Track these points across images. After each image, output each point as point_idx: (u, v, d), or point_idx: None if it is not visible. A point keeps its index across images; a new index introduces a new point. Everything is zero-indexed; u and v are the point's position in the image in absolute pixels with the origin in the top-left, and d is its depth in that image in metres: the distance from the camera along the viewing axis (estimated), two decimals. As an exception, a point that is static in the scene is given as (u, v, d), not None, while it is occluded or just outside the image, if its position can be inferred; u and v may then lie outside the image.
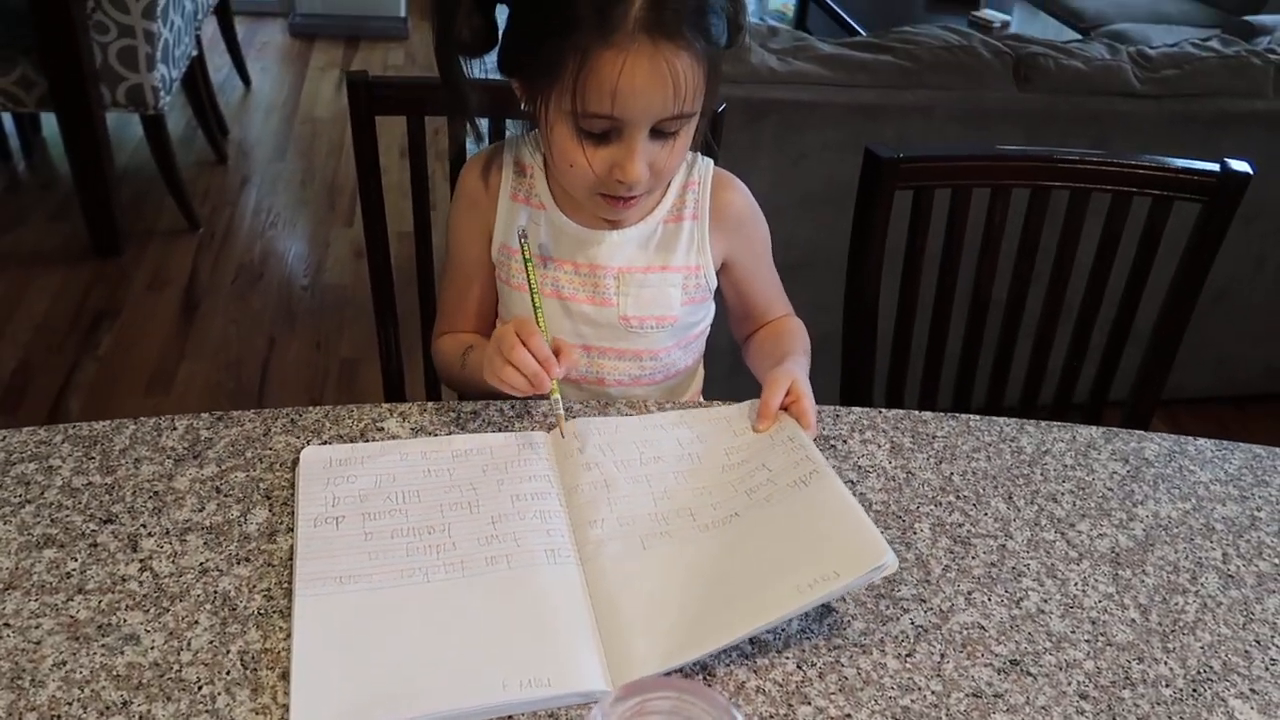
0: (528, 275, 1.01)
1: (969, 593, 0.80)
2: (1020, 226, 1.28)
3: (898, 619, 0.77)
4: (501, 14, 0.94)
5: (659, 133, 0.92)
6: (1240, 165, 1.23)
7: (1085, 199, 1.27)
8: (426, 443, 0.90)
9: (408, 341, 1.42)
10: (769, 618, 0.72)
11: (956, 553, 0.84)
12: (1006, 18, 3.61)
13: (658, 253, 1.07)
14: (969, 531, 0.86)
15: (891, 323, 1.31)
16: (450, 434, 0.92)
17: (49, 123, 3.17)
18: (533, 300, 1.00)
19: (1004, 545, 0.85)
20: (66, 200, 2.89)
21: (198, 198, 2.99)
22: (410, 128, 1.28)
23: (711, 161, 1.10)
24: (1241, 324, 2.35)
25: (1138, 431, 1.01)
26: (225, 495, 0.83)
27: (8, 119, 3.13)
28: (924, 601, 0.79)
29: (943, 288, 1.30)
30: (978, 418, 1.00)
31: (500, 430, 0.93)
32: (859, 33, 3.41)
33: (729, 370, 1.28)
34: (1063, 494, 0.92)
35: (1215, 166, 1.24)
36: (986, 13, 3.61)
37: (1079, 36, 3.68)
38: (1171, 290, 1.31)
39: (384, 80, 1.24)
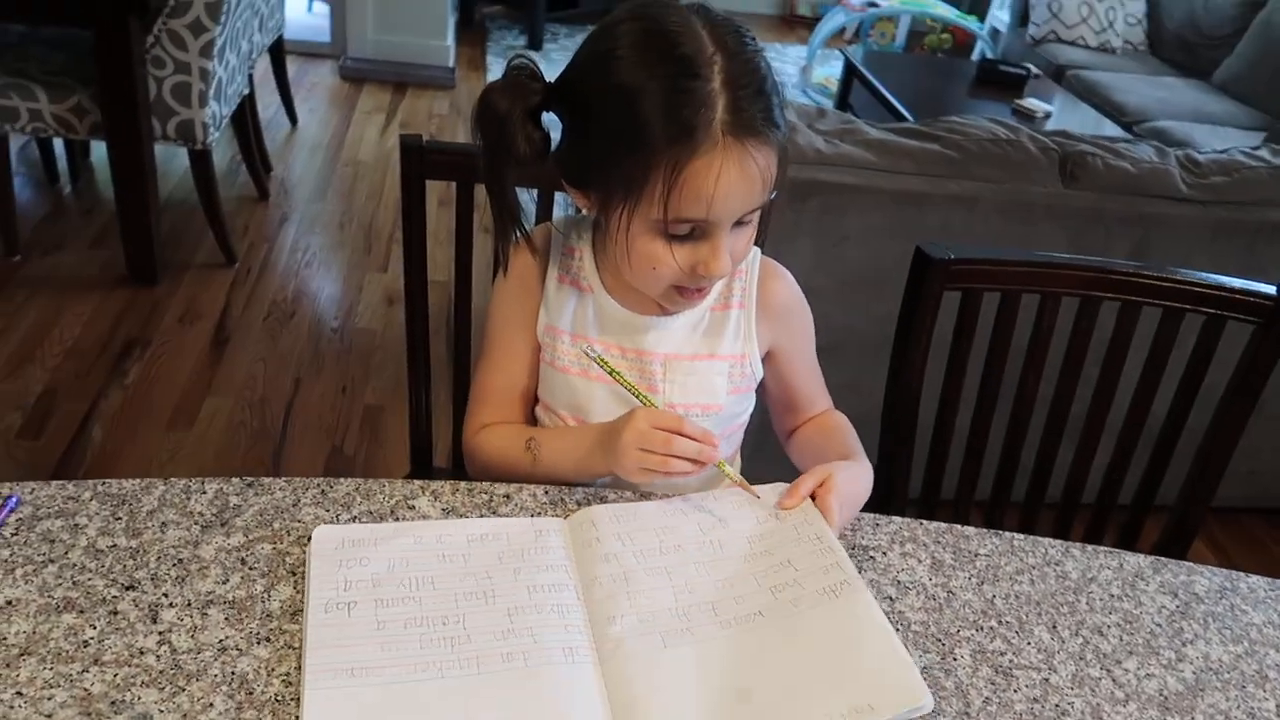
0: (624, 385, 0.99)
1: (1010, 730, 0.77)
2: (1068, 334, 1.26)
3: (935, 753, 0.74)
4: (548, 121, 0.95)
5: (738, 223, 0.93)
6: (1297, 289, 1.21)
7: (1136, 312, 1.25)
8: (441, 526, 0.87)
9: (434, 392, 1.41)
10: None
11: (998, 684, 0.81)
12: (1049, 108, 3.62)
13: (705, 340, 1.06)
14: (1011, 661, 0.83)
15: (932, 415, 1.29)
16: (481, 516, 0.90)
17: (98, 149, 3.22)
18: (640, 398, 0.98)
19: (1047, 679, 0.82)
20: (107, 227, 2.93)
21: (236, 232, 3.02)
22: (459, 194, 1.28)
23: (758, 249, 1.09)
24: (1277, 436, 2.31)
25: (1186, 563, 0.98)
26: (250, 568, 0.81)
27: (58, 143, 3.18)
28: (963, 736, 0.76)
29: (986, 387, 1.28)
30: (1021, 537, 0.98)
31: (535, 515, 0.91)
32: (903, 113, 3.43)
33: (751, 451, 1.26)
34: (1109, 626, 0.88)
35: (1272, 289, 1.21)
36: (1030, 102, 3.62)
37: (1120, 130, 3.69)
38: (1220, 408, 1.28)
39: (438, 146, 1.25)
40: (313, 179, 3.46)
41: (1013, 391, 1.28)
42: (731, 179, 0.87)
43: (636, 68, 0.86)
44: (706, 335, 1.06)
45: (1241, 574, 0.97)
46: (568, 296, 1.05)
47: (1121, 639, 0.87)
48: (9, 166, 2.67)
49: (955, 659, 0.83)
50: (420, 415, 1.40)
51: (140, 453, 2.16)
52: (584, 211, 1.00)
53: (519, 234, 1.01)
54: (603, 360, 0.99)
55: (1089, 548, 0.98)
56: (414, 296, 1.33)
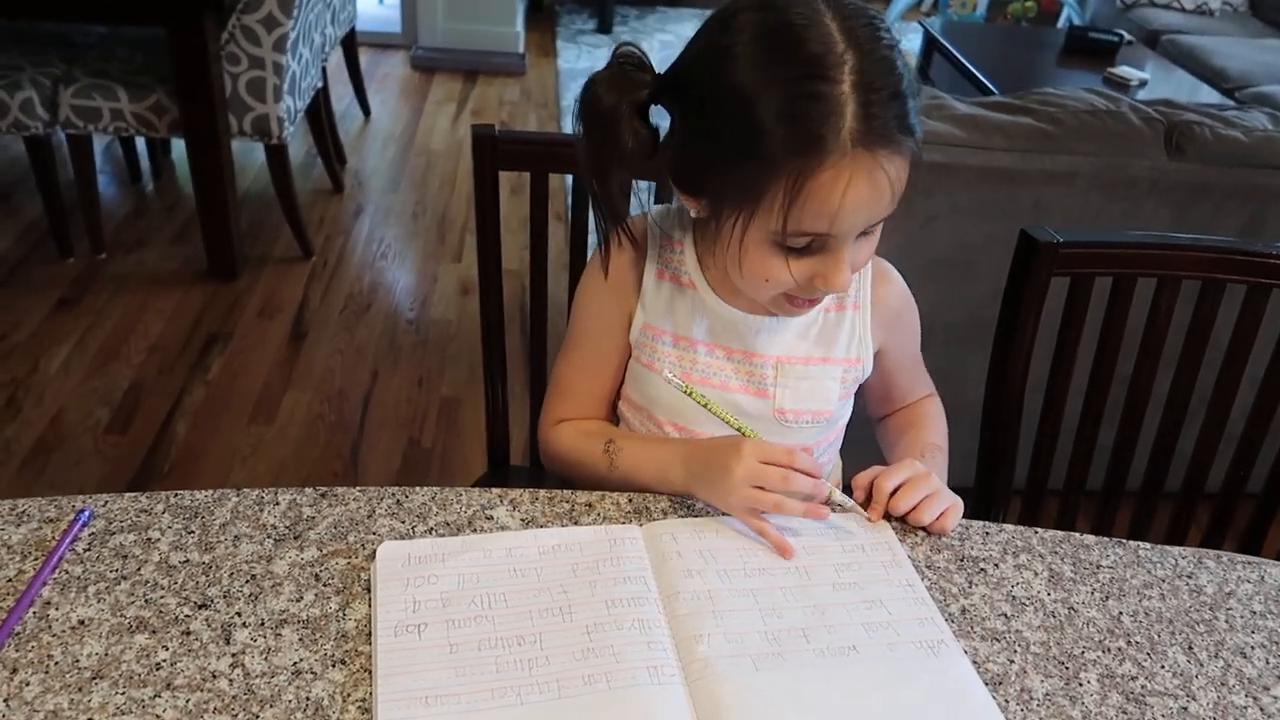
0: (718, 415, 0.93)
1: (1147, 766, 0.70)
2: (1188, 320, 1.17)
3: (1064, 793, 0.67)
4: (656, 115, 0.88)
5: (863, 231, 0.86)
6: None
7: (1265, 295, 1.15)
8: (512, 538, 0.83)
9: (510, 386, 1.37)
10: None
11: (1130, 713, 0.74)
12: (1144, 75, 3.44)
13: (818, 343, 1.00)
14: (1144, 688, 0.76)
15: (1036, 405, 1.21)
16: (563, 526, 0.85)
17: (178, 146, 3.27)
18: (738, 429, 0.92)
19: (1186, 709, 0.74)
20: (188, 223, 2.96)
21: (313, 225, 3.03)
22: (533, 184, 1.23)
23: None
24: None
25: (1336, 575, 0.88)
26: (325, 584, 0.77)
27: (140, 142, 3.23)
28: (1094, 773, 0.69)
29: (1098, 377, 1.19)
30: (1148, 546, 0.90)
31: (619, 524, 0.86)
32: (987, 86, 3.29)
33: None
34: (1253, 648, 0.80)
35: None
36: (1123, 70, 3.45)
37: (1222, 98, 3.49)
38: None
39: (510, 136, 1.20)
40: (386, 170, 3.47)
41: (1126, 380, 1.19)
42: (860, 192, 0.80)
43: (756, 67, 0.79)
44: (820, 338, 1.00)
45: (1400, 587, 0.88)
46: (668, 294, 0.99)
47: (1268, 662, 0.79)
48: (94, 166, 2.71)
49: (1081, 684, 0.75)
50: (497, 410, 1.36)
51: (222, 447, 2.18)
52: (693, 214, 0.93)
53: (622, 234, 0.95)
54: (690, 390, 0.93)
55: (1224, 558, 0.89)
56: (489, 289, 1.29)
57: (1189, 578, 0.87)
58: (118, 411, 2.24)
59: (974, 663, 0.76)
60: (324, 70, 3.06)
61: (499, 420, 1.37)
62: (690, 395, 0.92)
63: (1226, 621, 0.82)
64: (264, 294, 2.73)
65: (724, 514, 0.88)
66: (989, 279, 1.86)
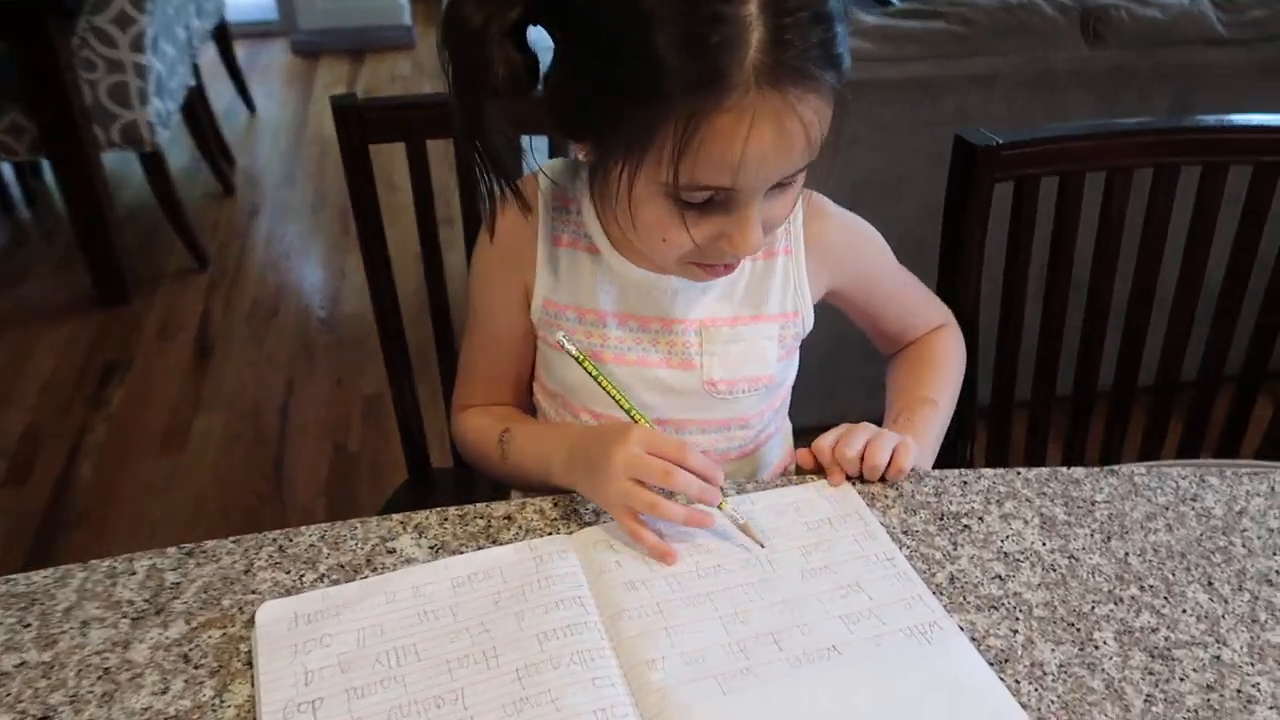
0: (608, 391, 0.80)
1: (1187, 735, 0.60)
2: (1142, 211, 1.07)
3: (1098, 785, 0.57)
4: (538, 44, 0.73)
5: (778, 185, 0.72)
6: None
7: (1222, 174, 1.05)
8: (417, 573, 0.70)
9: (429, 374, 1.23)
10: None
11: (1158, 673, 0.63)
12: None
13: (747, 300, 0.86)
14: (1167, 640, 0.66)
15: (990, 320, 1.10)
16: (479, 549, 0.72)
17: (48, 167, 3.03)
18: (630, 414, 0.80)
19: (1218, 657, 0.65)
20: (70, 249, 2.75)
21: (206, 233, 2.83)
22: (411, 155, 1.09)
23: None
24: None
25: (1351, 473, 0.79)
26: (196, 666, 0.64)
27: (7, 168, 2.99)
28: (1129, 754, 0.59)
29: (1054, 282, 1.08)
30: (1143, 470, 0.80)
31: (545, 536, 0.74)
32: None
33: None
34: (1277, 572, 0.71)
35: (1383, 121, 1.01)
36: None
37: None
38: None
39: (377, 104, 1.05)
40: (279, 165, 3.26)
41: (1085, 279, 1.09)
42: (765, 141, 0.66)
43: None
44: (749, 294, 0.86)
45: None
46: (568, 262, 0.86)
47: (1297, 587, 0.70)
48: (-48, 201, 2.49)
49: (1098, 647, 0.65)
50: (408, 411, 1.23)
51: (133, 485, 2.01)
52: (580, 158, 0.79)
53: (505, 187, 0.78)
54: (582, 359, 0.80)
55: (1228, 472, 0.79)
56: (378, 282, 1.15)
57: (1194, 500, 0.77)
58: (14, 461, 2.06)
59: (973, 640, 0.65)
60: (196, 67, 2.84)
61: (412, 422, 1.23)
62: (582, 364, 0.80)
63: (1244, 545, 0.73)
64: (161, 313, 2.54)
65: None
66: (918, 196, 1.76)
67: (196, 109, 2.89)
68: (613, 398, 0.80)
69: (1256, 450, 1.20)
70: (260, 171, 3.23)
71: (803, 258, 0.87)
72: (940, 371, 0.95)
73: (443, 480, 1.26)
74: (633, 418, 0.79)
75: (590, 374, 0.80)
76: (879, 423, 0.85)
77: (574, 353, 0.80)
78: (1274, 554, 0.72)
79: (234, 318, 2.52)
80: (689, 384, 0.86)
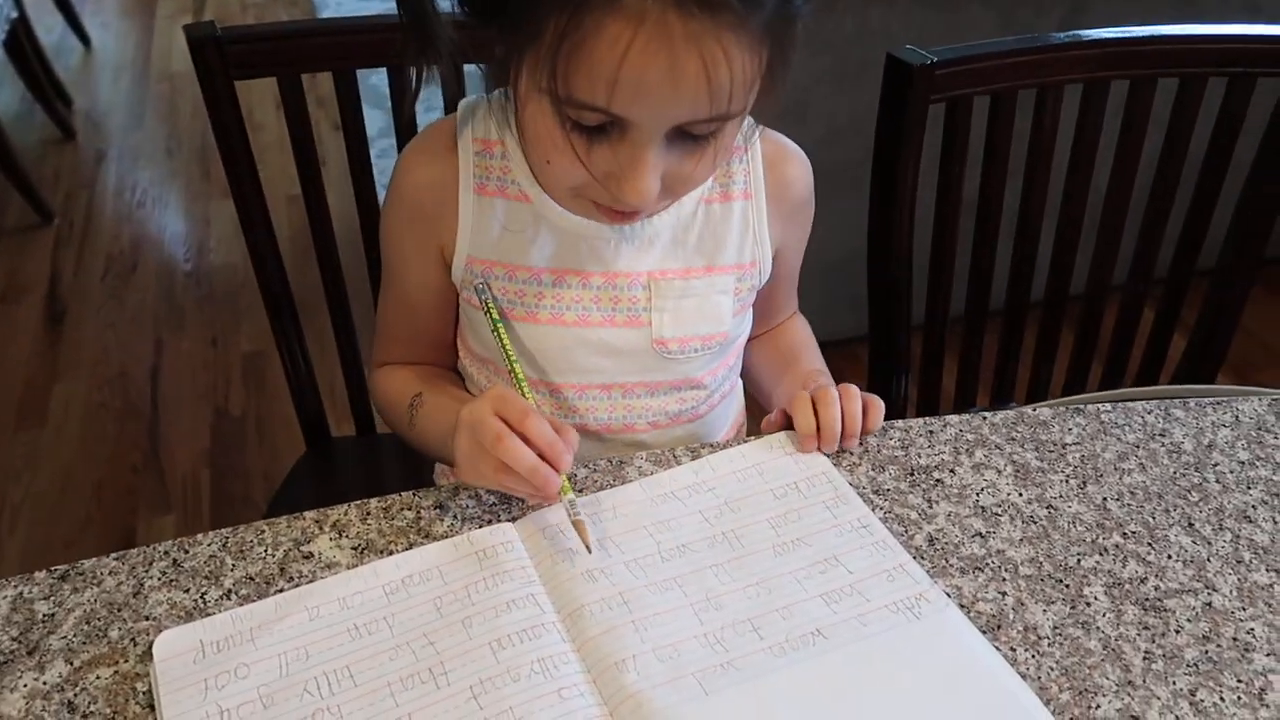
0: (498, 337, 0.73)
1: (1192, 692, 0.56)
2: (1073, 128, 1.03)
3: (1111, 756, 0.53)
4: None
5: (685, 135, 0.62)
6: (1337, 24, 0.99)
7: (1150, 87, 1.02)
8: (342, 581, 0.61)
9: (316, 328, 1.12)
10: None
11: (1153, 626, 0.60)
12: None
13: (699, 249, 0.77)
14: (1158, 589, 0.62)
15: (921, 243, 1.06)
16: (410, 547, 0.64)
17: None
18: (510, 367, 0.72)
19: (1210, 604, 0.62)
20: (-113, 207, 2.47)
21: (46, 184, 2.57)
22: (283, 91, 0.96)
23: (750, 119, 0.75)
24: None
25: (1309, 396, 0.78)
26: (85, 715, 0.54)
27: None
28: (1137, 719, 0.55)
29: (987, 203, 1.04)
30: (1108, 408, 0.76)
31: (484, 525, 0.65)
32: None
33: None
34: (1254, 507, 0.68)
35: (1308, 29, 0.99)
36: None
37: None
38: (1253, 175, 1.07)
39: (240, 34, 0.92)
40: (124, 105, 2.98)
41: (1016, 199, 1.05)
42: (651, 65, 0.56)
43: None
44: (702, 241, 0.77)
45: (1376, 395, 0.78)
46: (494, 213, 0.75)
47: (1276, 521, 0.67)
48: None
49: (1089, 603, 0.61)
50: (300, 375, 1.11)
51: (-13, 468, 1.83)
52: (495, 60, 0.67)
53: (433, 63, 0.65)
54: (490, 306, 0.72)
55: (1191, 403, 0.77)
56: (255, 235, 1.02)
57: (1162, 436, 0.74)
58: None
59: (961, 606, 0.61)
60: (16, -3, 2.55)
61: (307, 387, 1.12)
62: (488, 311, 0.72)
63: (1218, 481, 0.70)
64: (2, 275, 2.30)
65: (621, 483, 0.69)
66: (823, 118, 1.71)
67: (21, 43, 2.60)
68: (503, 351, 0.72)
69: (1178, 365, 1.20)
70: (102, 113, 2.95)
71: (764, 203, 0.79)
72: (816, 352, 0.90)
73: (345, 451, 1.15)
74: (512, 373, 0.72)
75: (493, 322, 0.72)
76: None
77: (487, 296, 0.73)
78: (1248, 488, 0.69)
79: (87, 276, 2.30)
80: (636, 343, 0.77)
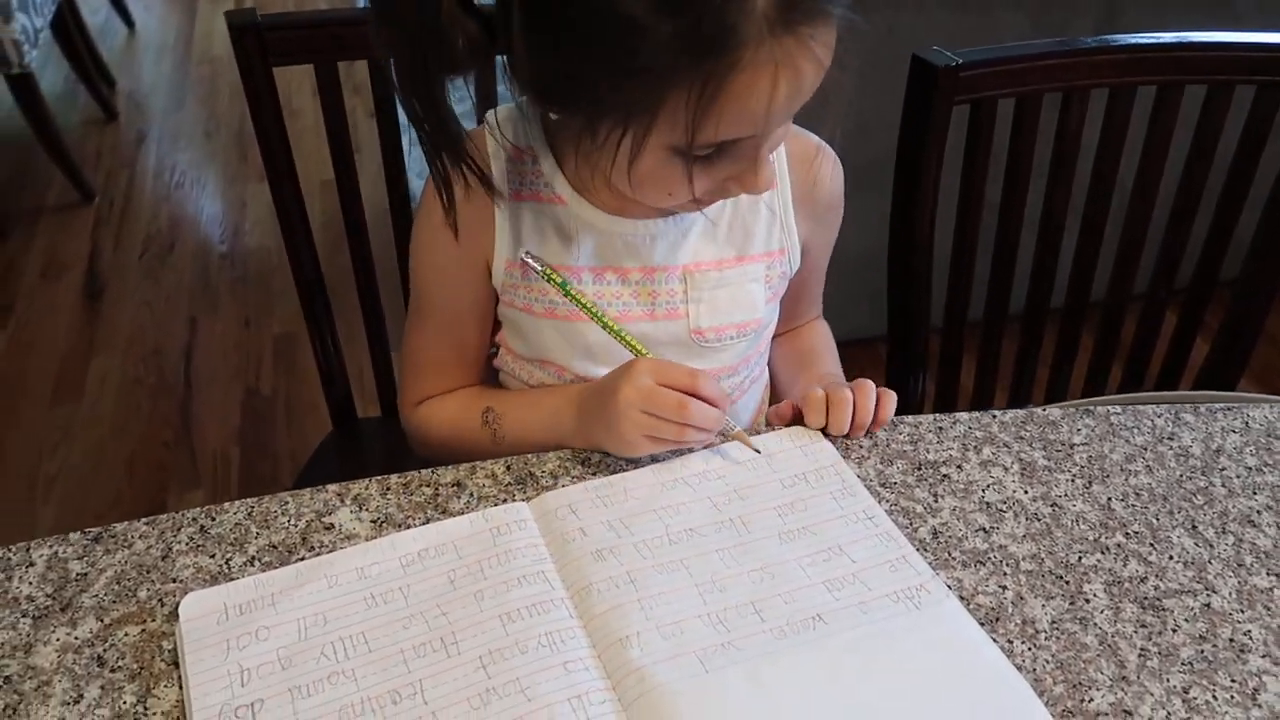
0: (583, 306, 0.74)
1: (1185, 690, 0.57)
2: (1098, 132, 1.03)
3: (1101, 748, 0.55)
4: None
5: None
6: (1368, 34, 0.99)
7: (1178, 94, 1.02)
8: (361, 553, 0.63)
9: (346, 312, 1.15)
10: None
11: (1150, 625, 0.61)
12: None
13: (730, 240, 0.80)
14: (1157, 589, 0.63)
15: (946, 249, 1.07)
16: (427, 522, 0.66)
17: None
18: (624, 339, 0.74)
19: (1208, 605, 0.63)
20: (-64, 184, 2.53)
21: (88, 163, 2.63)
22: (320, 79, 0.98)
23: None
24: None
25: (1322, 405, 0.78)
26: (113, 670, 0.57)
27: None
28: (1130, 715, 0.56)
29: (1008, 207, 1.05)
30: (1118, 409, 0.77)
31: (499, 504, 0.68)
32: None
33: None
34: (1259, 512, 0.69)
35: (1339, 38, 0.99)
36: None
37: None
38: (1278, 186, 1.07)
39: (280, 22, 0.94)
40: (165, 87, 3.04)
41: (1039, 204, 1.06)
42: (790, 87, 0.60)
43: None
44: (733, 232, 0.80)
45: (1389, 406, 0.78)
46: (530, 218, 0.77)
47: (1279, 527, 0.68)
48: None
49: (1088, 600, 0.62)
50: (330, 358, 1.14)
51: (24, 441, 1.87)
52: (553, 115, 0.72)
53: (465, 168, 0.70)
54: (550, 273, 0.73)
55: (1202, 408, 0.77)
56: (289, 219, 1.05)
57: (1171, 439, 0.74)
58: (-112, 421, 1.90)
59: (961, 598, 0.62)
60: (64, -22, 2.60)
61: (335, 370, 1.14)
62: (550, 279, 0.74)
63: (1224, 485, 0.71)
64: (44, 251, 2.35)
65: (629, 467, 0.70)
66: (848, 118, 1.72)
67: (68, 25, 2.65)
68: (602, 323, 0.74)
69: (1199, 372, 1.20)
70: (145, 95, 3.00)
71: (789, 193, 0.81)
72: (834, 357, 0.94)
73: (370, 431, 1.18)
74: (631, 349, 0.74)
75: (566, 292, 0.74)
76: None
77: (539, 269, 0.74)
78: (1254, 493, 0.70)
79: (126, 254, 2.35)
80: (675, 335, 0.80)
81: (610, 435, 0.70)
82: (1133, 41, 1.00)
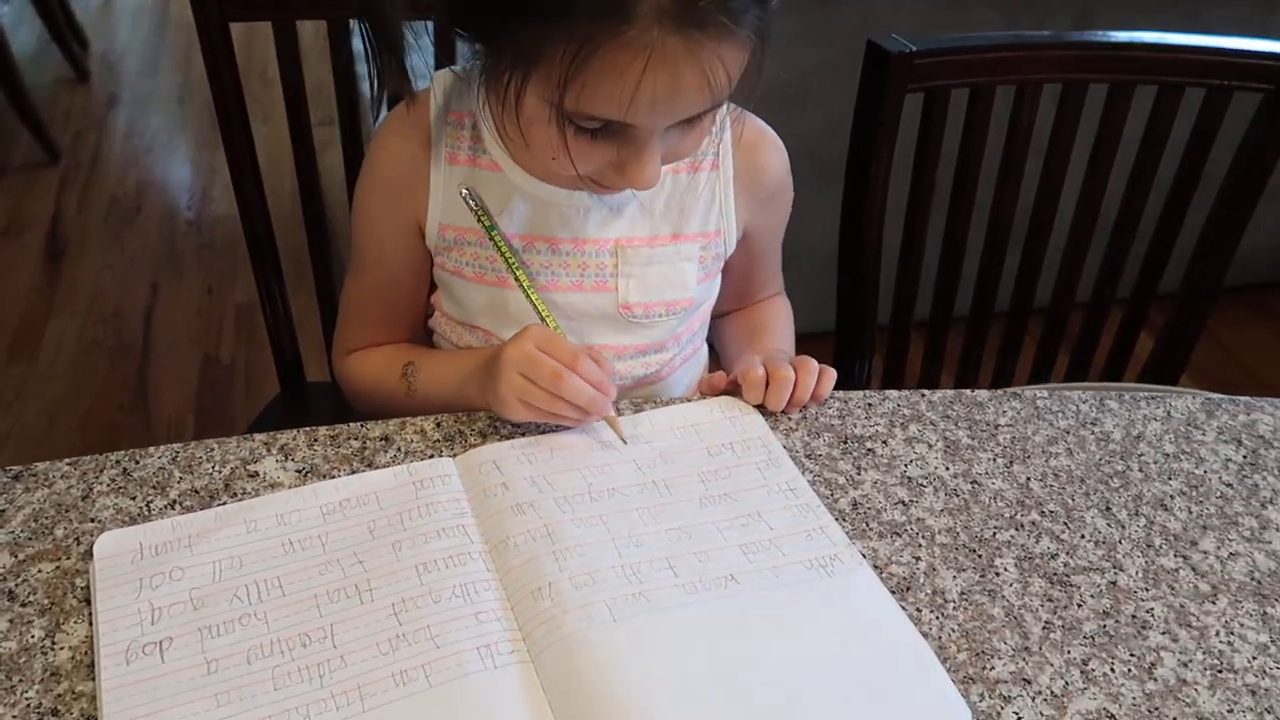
0: (502, 253, 0.75)
1: (1085, 662, 0.59)
2: (1049, 127, 1.05)
3: (998, 714, 0.56)
4: None
5: (681, 121, 0.67)
6: (1318, 44, 1.00)
7: (1128, 93, 1.03)
8: (282, 499, 0.63)
9: (306, 285, 1.15)
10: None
11: (1056, 600, 0.62)
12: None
13: (666, 217, 0.81)
14: (1067, 565, 0.65)
15: (895, 236, 1.08)
16: (353, 473, 0.66)
17: None
18: (528, 296, 0.75)
19: (1115, 582, 0.64)
20: (-102, 136, 2.50)
21: (56, 123, 2.60)
22: (278, 36, 0.98)
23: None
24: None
25: (1242, 399, 0.80)
26: (23, 604, 0.57)
27: None
28: (1029, 683, 0.57)
29: (960, 197, 1.06)
30: (1045, 394, 0.78)
31: (426, 459, 0.68)
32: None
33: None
34: (1172, 497, 0.70)
35: (1285, 46, 1.01)
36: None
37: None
38: (1225, 189, 1.09)
39: (235, -26, 0.94)
40: (140, 51, 3.01)
41: (988, 198, 1.07)
42: (658, 85, 0.61)
43: None
44: (669, 210, 0.81)
45: (1307, 401, 0.80)
46: (467, 182, 0.78)
47: (1190, 511, 0.69)
48: None
49: (999, 573, 0.64)
50: (279, 321, 1.14)
51: (-23, 396, 1.86)
52: (472, 55, 0.72)
53: (393, 65, 0.71)
54: (481, 215, 0.75)
55: (1126, 396, 0.79)
56: (244, 179, 1.05)
57: (1093, 424, 0.76)
58: None
59: (875, 567, 0.63)
60: (38, -66, 2.58)
61: (284, 335, 1.14)
62: (480, 220, 0.74)
63: (1140, 470, 0.72)
64: (6, 210, 2.33)
65: (559, 429, 0.71)
66: (821, 109, 1.72)
67: (43, -16, 2.64)
68: (516, 278, 0.75)
69: (1141, 370, 1.22)
70: (118, 57, 2.98)
71: (731, 176, 0.82)
72: (789, 332, 0.94)
73: (318, 394, 1.18)
74: (536, 310, 0.75)
75: (490, 237, 0.75)
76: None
77: (473, 207, 0.75)
78: (1169, 479, 0.72)
79: (90, 216, 2.33)
80: (603, 308, 0.80)
81: (490, 393, 0.70)
82: (1085, 39, 1.01)
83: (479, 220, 0.76)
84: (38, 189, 2.40)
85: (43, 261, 2.19)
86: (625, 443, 0.70)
